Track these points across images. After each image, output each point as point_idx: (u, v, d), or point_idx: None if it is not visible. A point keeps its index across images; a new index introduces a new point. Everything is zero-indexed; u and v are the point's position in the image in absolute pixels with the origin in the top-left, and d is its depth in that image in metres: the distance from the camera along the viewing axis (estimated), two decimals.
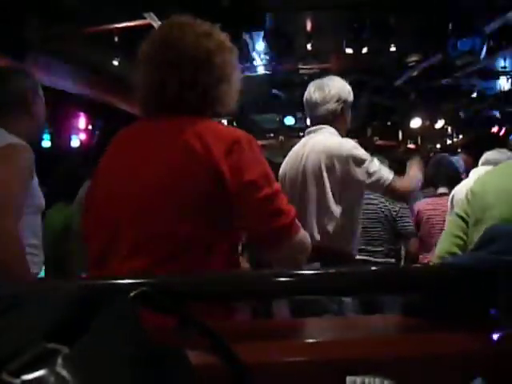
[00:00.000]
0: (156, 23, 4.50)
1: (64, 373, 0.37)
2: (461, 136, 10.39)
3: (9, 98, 1.78)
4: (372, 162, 2.09)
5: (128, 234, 1.04)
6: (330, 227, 2.07)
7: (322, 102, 2.23)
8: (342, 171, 2.06)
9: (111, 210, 1.09)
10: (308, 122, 2.40)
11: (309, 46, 5.54)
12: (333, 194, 2.08)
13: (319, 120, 2.26)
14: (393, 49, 5.35)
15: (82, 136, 7.93)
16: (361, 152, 2.10)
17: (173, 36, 1.19)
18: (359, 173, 2.05)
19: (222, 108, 1.23)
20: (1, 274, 1.42)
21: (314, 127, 2.28)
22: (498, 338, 0.68)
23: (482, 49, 4.73)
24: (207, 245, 1.05)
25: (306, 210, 2.10)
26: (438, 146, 10.85)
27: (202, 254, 1.05)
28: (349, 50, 5.47)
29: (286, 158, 2.33)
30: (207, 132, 1.08)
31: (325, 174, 2.08)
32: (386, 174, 2.09)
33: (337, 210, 2.08)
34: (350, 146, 2.12)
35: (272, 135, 9.55)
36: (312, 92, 2.28)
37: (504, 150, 3.18)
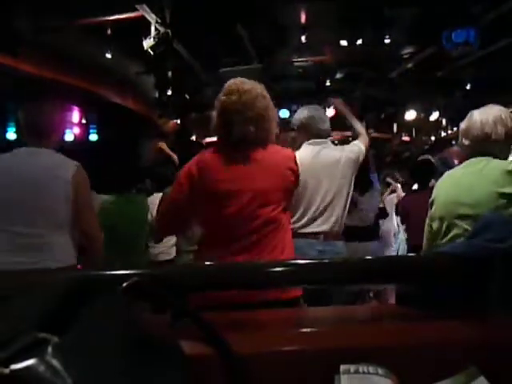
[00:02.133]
0: (149, 15, 4.47)
1: (54, 362, 0.36)
2: (455, 128, 10.42)
3: None
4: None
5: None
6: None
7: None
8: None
9: (238, 206, 1.69)
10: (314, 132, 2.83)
11: (303, 39, 5.51)
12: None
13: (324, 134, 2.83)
14: (387, 41, 5.34)
15: (76, 130, 7.88)
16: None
17: (247, 100, 1.76)
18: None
19: (272, 136, 1.87)
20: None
21: (321, 139, 2.80)
22: (493, 326, 0.68)
23: (476, 40, 4.73)
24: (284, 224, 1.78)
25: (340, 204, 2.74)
26: (433, 138, 10.88)
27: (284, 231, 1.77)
28: (343, 42, 5.46)
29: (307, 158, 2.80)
30: (282, 153, 1.87)
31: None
32: (357, 146, 2.83)
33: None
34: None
35: None
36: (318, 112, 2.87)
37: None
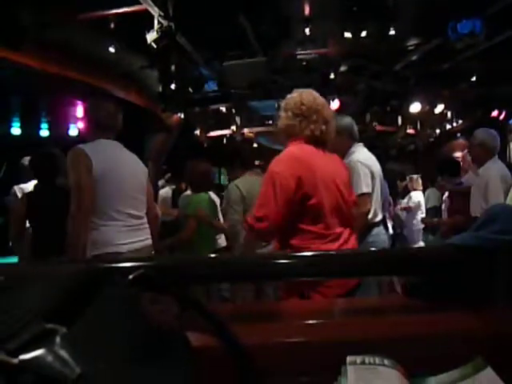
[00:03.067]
0: (152, 8, 4.45)
1: (62, 352, 0.36)
2: (460, 121, 10.35)
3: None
4: None
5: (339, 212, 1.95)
6: None
7: None
8: None
9: (331, 197, 1.90)
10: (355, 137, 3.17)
11: (307, 31, 5.48)
12: None
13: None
14: (392, 32, 5.29)
15: (80, 124, 7.90)
16: None
17: (319, 108, 2.00)
18: None
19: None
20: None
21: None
22: (499, 318, 0.68)
23: (482, 31, 4.68)
24: None
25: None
26: (438, 130, 10.82)
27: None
28: (347, 35, 5.42)
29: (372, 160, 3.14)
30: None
31: None
32: None
33: None
34: None
35: (271, 122, 9.50)
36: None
37: None
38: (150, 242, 2.44)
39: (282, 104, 2.06)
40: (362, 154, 3.03)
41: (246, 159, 3.79)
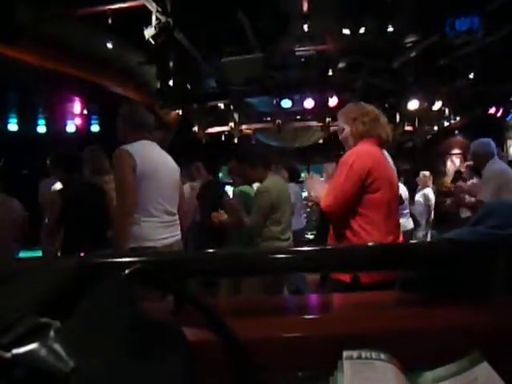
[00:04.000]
0: (150, 4, 4.43)
1: (56, 346, 0.36)
2: (458, 118, 10.35)
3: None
4: None
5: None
6: None
7: None
8: None
9: (392, 194, 2.19)
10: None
11: (305, 27, 5.46)
12: None
13: None
14: (390, 29, 5.29)
15: (78, 121, 7.87)
16: None
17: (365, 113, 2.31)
18: None
19: None
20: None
21: None
22: (496, 312, 0.68)
23: (480, 28, 4.68)
24: None
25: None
26: (436, 127, 10.82)
27: None
28: (346, 31, 5.40)
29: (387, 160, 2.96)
30: None
31: None
32: None
33: None
34: None
35: (269, 119, 9.49)
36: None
37: None
38: (179, 237, 2.58)
39: (350, 114, 2.32)
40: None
41: (268, 157, 3.54)
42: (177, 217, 2.59)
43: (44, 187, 4.41)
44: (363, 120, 2.25)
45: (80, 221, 3.05)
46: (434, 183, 7.06)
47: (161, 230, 2.42)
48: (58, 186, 3.49)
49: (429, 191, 6.60)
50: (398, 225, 2.29)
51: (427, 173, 6.82)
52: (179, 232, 2.59)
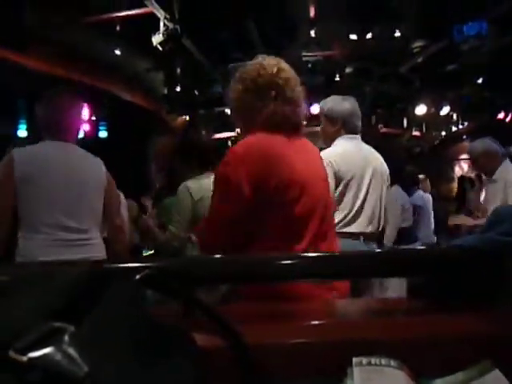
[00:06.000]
0: (158, 11, 4.47)
1: (70, 350, 0.37)
2: (466, 123, 10.30)
3: None
4: None
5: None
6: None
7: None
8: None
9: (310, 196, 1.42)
10: (351, 127, 2.61)
11: (312, 33, 5.48)
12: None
13: (358, 130, 2.62)
14: (397, 34, 5.29)
15: (86, 127, 7.93)
16: None
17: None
18: None
19: None
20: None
21: (356, 135, 2.61)
22: (506, 319, 0.68)
23: (488, 33, 4.67)
24: None
25: (378, 204, 2.54)
26: (444, 133, 10.78)
27: None
28: (353, 37, 5.42)
29: (347, 156, 2.52)
30: None
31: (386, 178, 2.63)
32: None
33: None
34: None
35: None
36: (356, 106, 2.64)
37: None
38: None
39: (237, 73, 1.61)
40: (343, 144, 2.51)
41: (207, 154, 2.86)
42: (90, 234, 2.07)
43: None
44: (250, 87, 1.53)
45: None
46: (433, 187, 6.86)
47: (54, 250, 1.92)
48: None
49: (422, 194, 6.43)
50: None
51: (422, 176, 6.72)
52: (93, 254, 2.04)
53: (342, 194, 2.42)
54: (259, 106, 1.48)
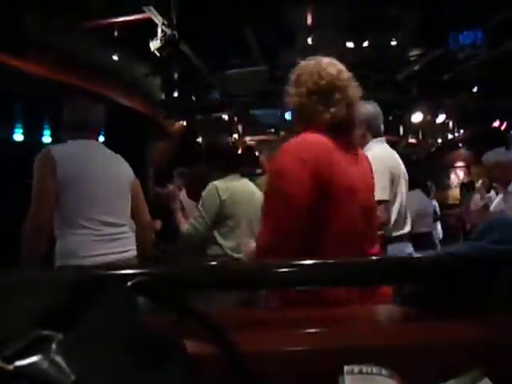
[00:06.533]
0: (156, 17, 4.48)
1: (58, 359, 0.36)
2: (462, 131, 10.35)
3: None
4: None
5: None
6: None
7: None
8: None
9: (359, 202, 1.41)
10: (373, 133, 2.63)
11: (309, 40, 5.51)
12: None
13: (382, 133, 2.67)
14: (394, 43, 5.32)
15: None
16: None
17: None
18: None
19: None
20: None
21: (383, 138, 2.65)
22: (497, 328, 0.68)
23: (483, 42, 4.70)
24: None
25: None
26: (439, 140, 10.83)
27: None
28: (349, 45, 5.44)
29: (393, 158, 2.60)
30: None
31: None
32: None
33: None
34: None
35: (273, 130, 9.52)
36: (379, 109, 2.68)
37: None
38: (132, 253, 2.16)
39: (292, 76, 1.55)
40: (382, 148, 2.54)
41: (232, 157, 2.87)
42: (125, 228, 2.16)
43: None
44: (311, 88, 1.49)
45: None
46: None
47: (95, 245, 2.00)
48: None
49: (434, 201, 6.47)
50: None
51: (429, 183, 6.76)
52: (130, 248, 2.15)
53: (394, 195, 2.47)
54: (321, 108, 1.46)
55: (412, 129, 9.43)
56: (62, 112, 2.27)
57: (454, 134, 10.38)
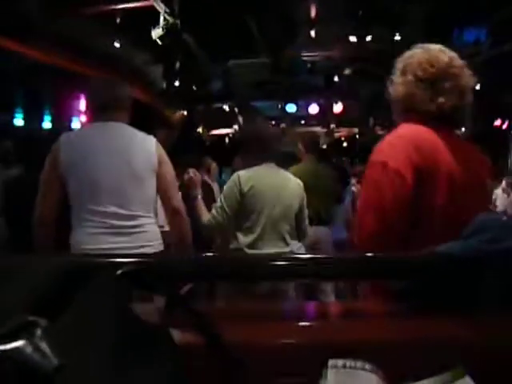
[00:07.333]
0: (158, 5, 4.45)
1: (42, 344, 0.37)
2: (463, 129, 10.32)
3: None
4: None
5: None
6: None
7: None
8: None
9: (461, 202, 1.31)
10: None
11: (312, 33, 5.48)
12: None
13: None
14: (397, 38, 5.30)
15: (83, 118, 7.90)
16: None
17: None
18: None
19: None
20: None
21: None
22: (484, 326, 0.69)
23: (486, 39, 4.68)
24: None
25: None
26: None
27: None
28: (352, 39, 5.42)
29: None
30: None
31: None
32: None
33: None
34: None
35: (273, 123, 9.50)
36: None
37: None
38: (148, 250, 1.91)
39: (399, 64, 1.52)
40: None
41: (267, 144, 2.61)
42: (142, 220, 1.93)
43: None
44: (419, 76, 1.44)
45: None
46: None
47: (101, 238, 1.82)
48: None
49: None
50: None
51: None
52: (145, 243, 1.91)
53: None
54: (428, 97, 1.41)
55: None
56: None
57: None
